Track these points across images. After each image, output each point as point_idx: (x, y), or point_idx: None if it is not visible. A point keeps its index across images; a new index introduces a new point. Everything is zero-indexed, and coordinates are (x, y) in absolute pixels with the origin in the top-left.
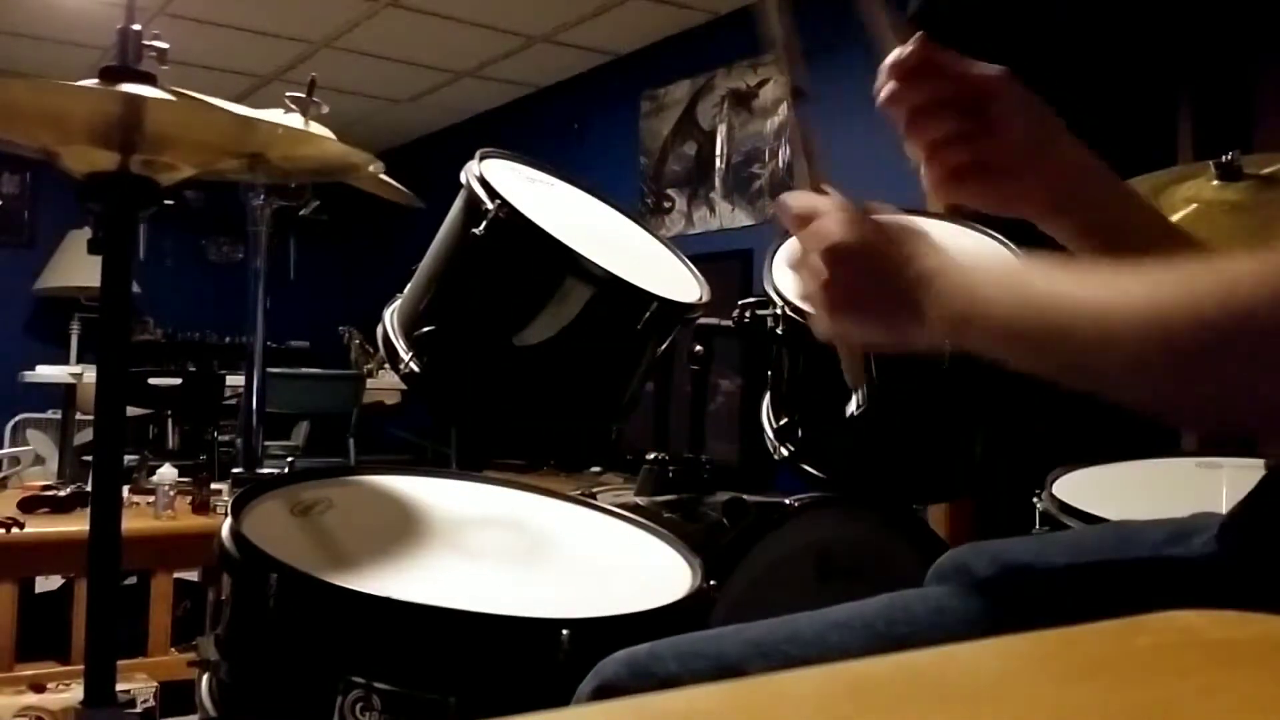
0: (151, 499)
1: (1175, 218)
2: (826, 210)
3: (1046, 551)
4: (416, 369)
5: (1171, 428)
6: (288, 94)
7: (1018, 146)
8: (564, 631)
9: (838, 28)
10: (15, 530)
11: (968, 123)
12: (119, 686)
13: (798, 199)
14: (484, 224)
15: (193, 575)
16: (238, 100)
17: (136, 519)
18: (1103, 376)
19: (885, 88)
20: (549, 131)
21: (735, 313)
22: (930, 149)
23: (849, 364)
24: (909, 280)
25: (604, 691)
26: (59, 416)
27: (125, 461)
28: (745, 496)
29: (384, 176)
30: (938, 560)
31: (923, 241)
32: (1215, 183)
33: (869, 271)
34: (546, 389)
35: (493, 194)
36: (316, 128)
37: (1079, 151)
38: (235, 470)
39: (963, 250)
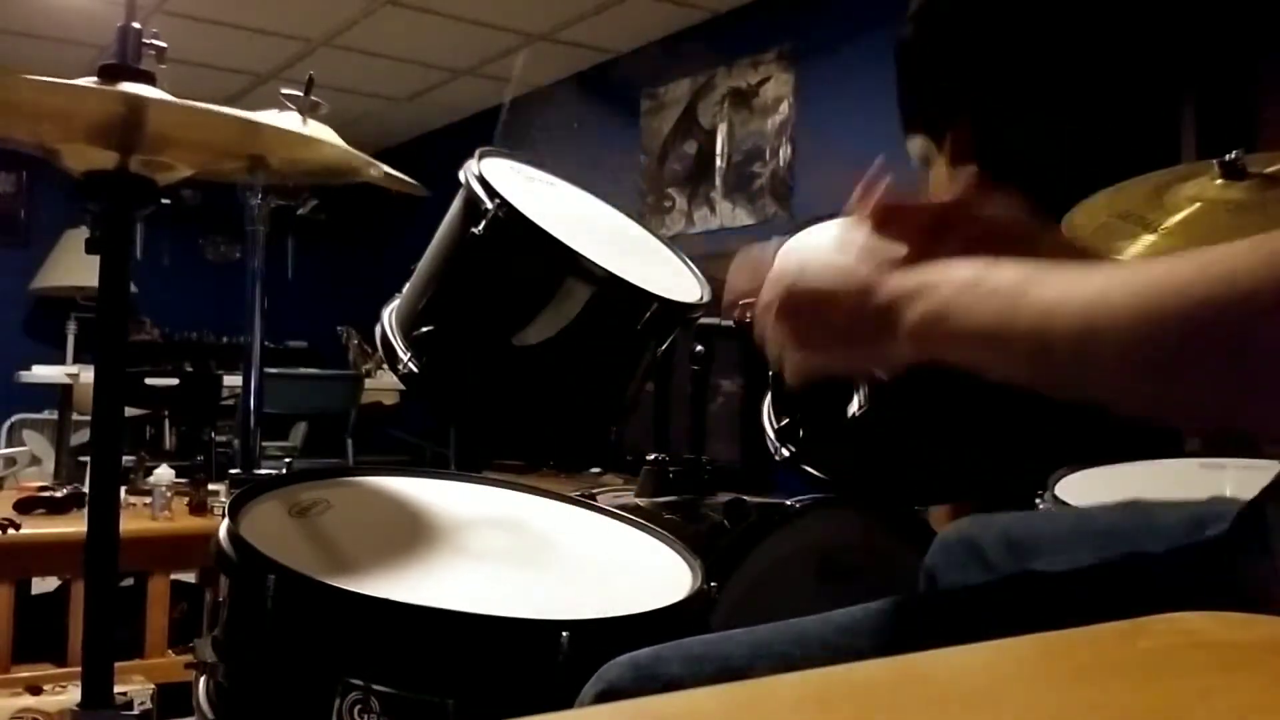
0: (148, 500)
1: (1178, 217)
2: (752, 274)
3: (1058, 535)
4: (415, 369)
5: (1163, 427)
6: (284, 91)
7: (1007, 253)
8: (564, 633)
9: (838, 28)
10: (11, 531)
11: (953, 245)
12: (116, 688)
13: (731, 287)
14: (483, 223)
15: (190, 577)
16: (235, 99)
17: (133, 520)
18: (1085, 380)
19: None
20: (549, 131)
21: (736, 313)
22: None
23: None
24: (874, 301)
25: (608, 695)
26: (55, 417)
27: (122, 462)
28: (746, 498)
29: (388, 169)
30: (942, 532)
31: (863, 262)
32: (1219, 181)
33: (821, 309)
34: (546, 389)
35: (492, 193)
36: (316, 127)
37: (1067, 243)
38: (232, 471)
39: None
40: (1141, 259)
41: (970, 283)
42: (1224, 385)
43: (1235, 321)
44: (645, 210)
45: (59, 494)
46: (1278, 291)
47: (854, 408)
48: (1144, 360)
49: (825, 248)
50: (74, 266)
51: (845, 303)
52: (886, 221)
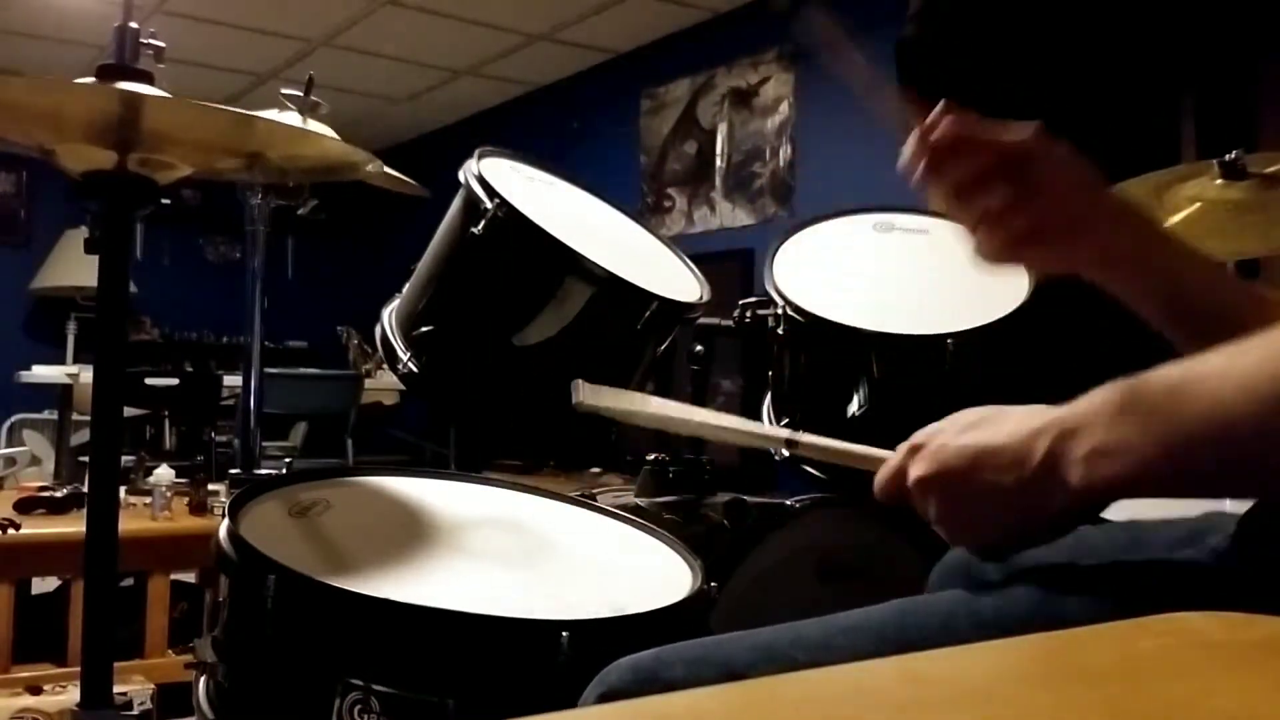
0: (148, 500)
1: (1179, 217)
2: (904, 464)
3: (1053, 552)
4: (415, 369)
5: None
6: (284, 91)
7: (1065, 205)
8: (564, 633)
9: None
10: (11, 531)
11: (1011, 189)
12: (116, 688)
13: (880, 478)
14: (483, 223)
15: (190, 577)
16: (235, 99)
17: (133, 520)
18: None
19: (920, 165)
20: (548, 130)
21: (736, 313)
22: (980, 220)
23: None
24: (1028, 470)
25: (609, 698)
26: (55, 417)
27: (122, 462)
28: (746, 497)
29: (387, 169)
30: (943, 559)
31: (1005, 418)
32: (1219, 182)
33: (972, 485)
34: (546, 389)
35: (491, 193)
36: (316, 126)
37: (1115, 198)
38: (232, 471)
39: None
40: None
41: (1119, 408)
42: None
43: None
44: (645, 210)
45: (59, 494)
46: None
47: (854, 408)
48: None
49: (960, 421)
50: (74, 266)
51: (1002, 463)
52: (953, 150)
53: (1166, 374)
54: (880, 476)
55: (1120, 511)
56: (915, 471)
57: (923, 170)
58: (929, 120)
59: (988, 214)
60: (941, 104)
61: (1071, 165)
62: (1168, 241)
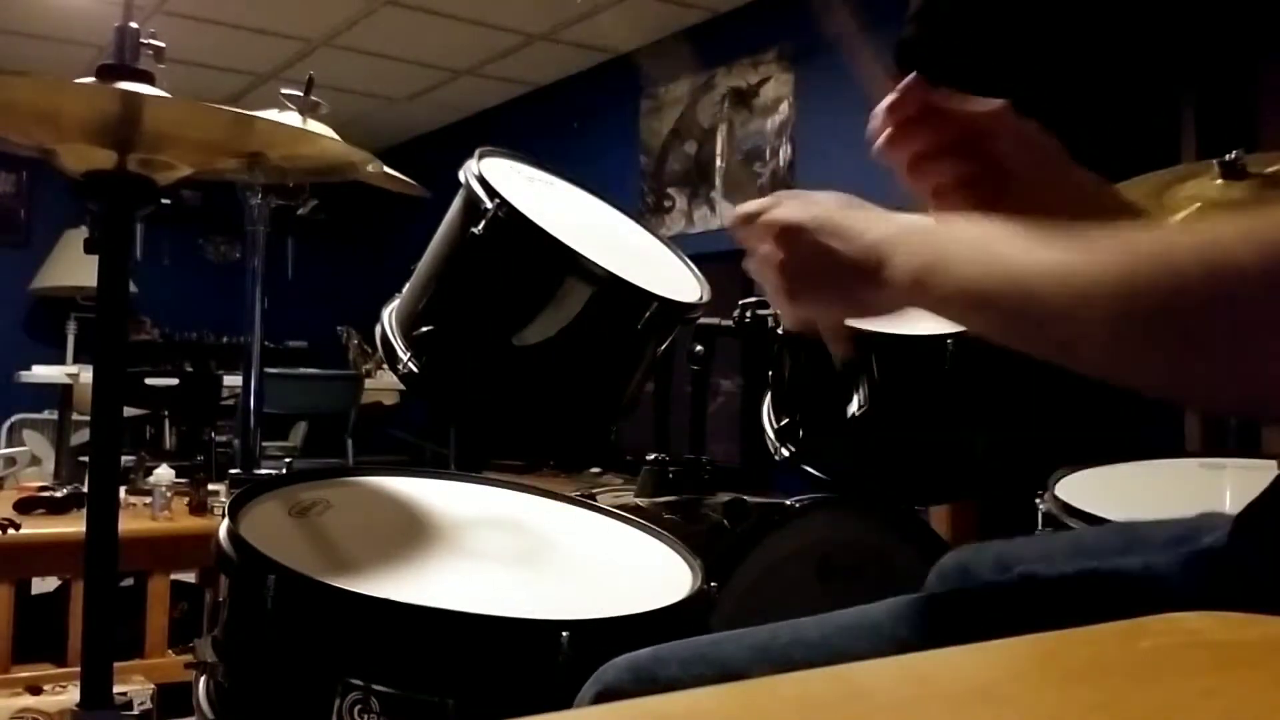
0: (148, 500)
1: (1179, 217)
2: (771, 204)
3: (1050, 552)
4: (415, 369)
5: (1148, 398)
6: (284, 91)
7: (1023, 184)
8: (564, 633)
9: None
10: (11, 531)
11: (969, 165)
12: (116, 688)
13: (743, 206)
14: (483, 223)
15: (190, 577)
16: (235, 99)
17: (133, 520)
18: (1068, 343)
19: (882, 134)
20: (548, 130)
21: (736, 313)
22: (934, 193)
23: (832, 343)
24: (864, 246)
25: (605, 696)
26: (55, 417)
27: (122, 462)
28: (746, 497)
29: (387, 169)
30: (939, 561)
31: (876, 211)
32: (1219, 181)
33: (820, 245)
34: (546, 389)
35: (492, 193)
36: (316, 126)
37: (1087, 179)
38: (232, 471)
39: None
40: (1127, 226)
41: (964, 236)
42: (1198, 358)
43: (1222, 298)
44: (645, 210)
45: (59, 494)
46: (1260, 276)
47: (854, 407)
48: (1122, 328)
49: (834, 197)
50: (74, 266)
51: (842, 240)
52: (916, 123)
53: (1008, 228)
54: (745, 206)
55: (1116, 513)
56: (782, 213)
57: (884, 141)
58: (895, 92)
59: (939, 189)
60: (910, 78)
61: (1031, 145)
62: (1123, 212)
